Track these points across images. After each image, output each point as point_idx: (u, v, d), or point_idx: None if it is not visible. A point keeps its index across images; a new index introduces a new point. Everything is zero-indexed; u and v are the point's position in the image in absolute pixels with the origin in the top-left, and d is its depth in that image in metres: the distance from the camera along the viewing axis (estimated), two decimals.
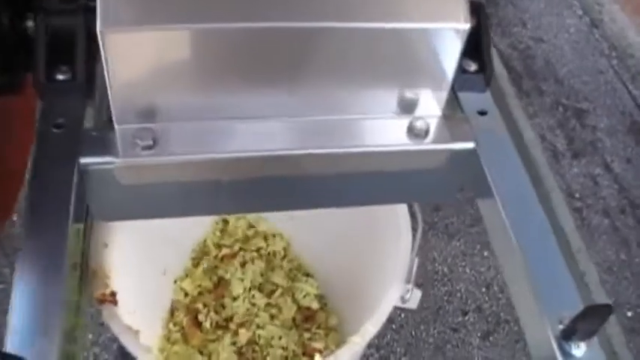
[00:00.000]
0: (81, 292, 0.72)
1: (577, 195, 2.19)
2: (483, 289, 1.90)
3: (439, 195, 0.85)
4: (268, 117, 0.78)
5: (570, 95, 2.44)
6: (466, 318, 1.86)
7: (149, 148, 0.74)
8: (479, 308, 1.87)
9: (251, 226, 1.58)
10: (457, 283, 1.91)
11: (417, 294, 1.15)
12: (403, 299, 1.14)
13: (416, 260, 1.16)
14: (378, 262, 1.29)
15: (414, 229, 1.20)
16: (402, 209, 1.22)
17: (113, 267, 1.20)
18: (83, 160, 0.73)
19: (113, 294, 1.12)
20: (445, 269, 1.93)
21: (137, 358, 1.07)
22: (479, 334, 1.83)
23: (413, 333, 1.81)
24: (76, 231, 0.71)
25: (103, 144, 0.75)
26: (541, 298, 0.69)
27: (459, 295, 1.89)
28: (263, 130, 0.77)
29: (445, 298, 1.88)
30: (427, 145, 0.78)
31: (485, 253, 1.96)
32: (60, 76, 0.78)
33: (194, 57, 0.73)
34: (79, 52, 0.79)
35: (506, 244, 0.74)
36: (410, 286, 1.14)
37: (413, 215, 1.21)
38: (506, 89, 2.18)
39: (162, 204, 0.80)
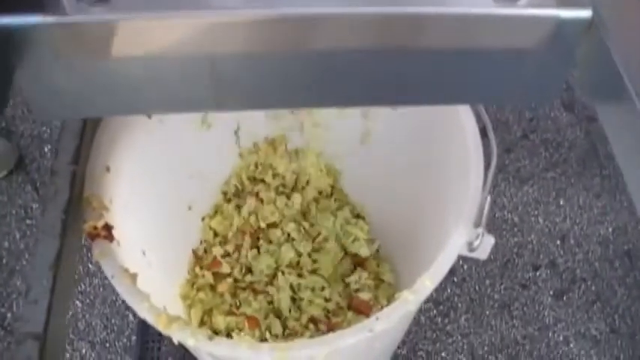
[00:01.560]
0: None
1: None
2: (558, 242, 1.61)
3: (533, 92, 0.55)
4: None
5: None
6: (537, 274, 1.57)
7: (98, 1, 0.47)
8: (552, 263, 1.58)
9: (293, 158, 1.31)
10: (528, 234, 1.61)
11: (489, 240, 0.87)
12: (471, 246, 0.86)
13: (488, 199, 0.87)
14: (442, 200, 1.00)
15: (486, 161, 0.91)
16: (473, 133, 0.94)
17: (116, 197, 0.95)
18: (2, 21, 0.47)
19: (108, 227, 0.87)
20: (515, 218, 1.63)
21: (131, 305, 0.82)
22: (551, 292, 1.54)
23: (477, 288, 1.53)
24: None
25: None
26: None
27: (530, 247, 1.60)
28: None
29: (514, 250, 1.59)
30: (520, 9, 0.49)
31: (561, 202, 1.65)
32: None
33: None
34: None
35: None
36: (480, 230, 0.85)
37: (484, 134, 0.92)
38: None
39: (122, 93, 0.52)
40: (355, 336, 0.79)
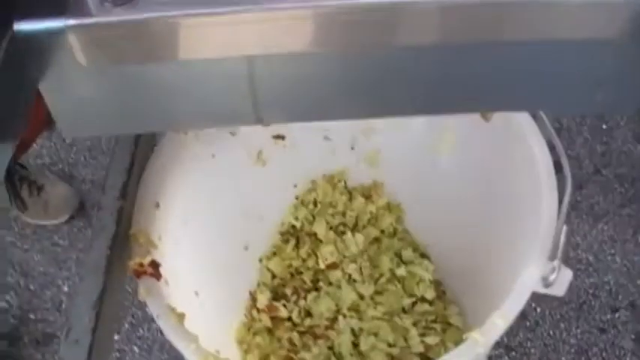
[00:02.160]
0: None
1: None
2: (638, 282, 1.49)
3: (616, 96, 0.47)
4: None
5: None
6: (616, 316, 1.45)
7: (123, 2, 0.42)
8: (632, 305, 1.46)
9: (352, 195, 1.24)
10: (605, 274, 1.50)
11: (566, 275, 0.78)
12: (546, 282, 0.77)
13: (564, 229, 0.79)
14: (512, 233, 0.92)
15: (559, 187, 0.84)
16: (544, 157, 0.86)
17: (166, 234, 0.90)
18: (20, 27, 0.42)
19: (155, 265, 0.81)
20: (590, 257, 1.52)
21: (177, 346, 0.76)
22: (632, 336, 1.42)
23: (551, 332, 1.42)
24: None
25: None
26: None
27: (607, 288, 1.48)
28: None
29: (590, 291, 1.48)
30: None
31: None
32: None
33: None
34: None
35: None
36: (555, 263, 0.77)
37: (557, 166, 0.85)
38: None
39: (153, 103, 0.47)
40: None
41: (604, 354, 1.40)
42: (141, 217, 0.86)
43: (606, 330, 1.43)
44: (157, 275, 0.81)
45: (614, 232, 1.56)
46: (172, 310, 0.78)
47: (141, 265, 0.80)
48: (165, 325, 0.77)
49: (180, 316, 0.78)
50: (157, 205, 0.89)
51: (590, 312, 1.45)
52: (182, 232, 0.94)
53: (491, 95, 0.47)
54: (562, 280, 0.77)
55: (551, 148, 0.90)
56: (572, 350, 1.41)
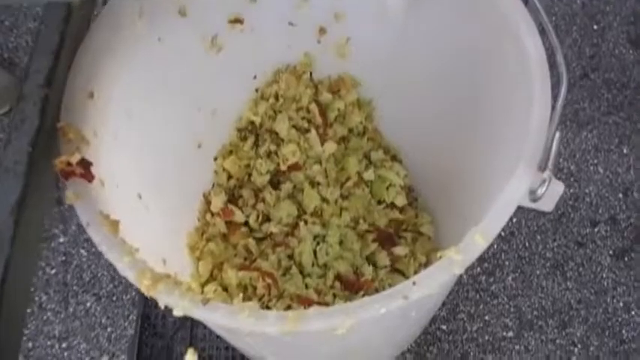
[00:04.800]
0: None
1: None
2: (620, 195, 1.43)
3: None
4: None
5: None
6: (596, 230, 1.39)
7: None
8: (613, 219, 1.40)
9: (318, 89, 1.14)
10: (586, 185, 1.44)
11: (557, 188, 0.70)
12: (534, 195, 0.69)
13: (557, 136, 0.71)
14: (497, 137, 0.83)
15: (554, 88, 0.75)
16: (537, 50, 0.76)
17: (103, 128, 0.79)
18: None
19: (86, 164, 0.71)
20: (572, 167, 1.45)
21: (109, 259, 0.67)
22: (610, 252, 1.37)
23: (526, 244, 1.36)
24: None
25: None
26: None
27: (588, 200, 1.42)
28: None
29: (570, 203, 1.41)
30: None
31: (625, 150, 1.47)
32: None
33: None
34: None
35: None
36: (546, 174, 0.68)
37: (552, 66, 0.75)
38: None
39: None
40: (385, 305, 0.62)
41: (580, 269, 1.36)
42: (71, 108, 0.75)
43: (584, 244, 1.38)
44: (89, 176, 0.71)
45: (599, 140, 1.49)
46: (105, 216, 0.69)
47: (69, 164, 0.70)
48: (96, 234, 0.67)
49: (114, 224, 0.69)
50: (91, 95, 0.78)
51: (568, 225, 1.40)
52: (122, 127, 0.84)
53: None
54: (552, 195, 0.69)
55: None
56: (548, 264, 1.36)
